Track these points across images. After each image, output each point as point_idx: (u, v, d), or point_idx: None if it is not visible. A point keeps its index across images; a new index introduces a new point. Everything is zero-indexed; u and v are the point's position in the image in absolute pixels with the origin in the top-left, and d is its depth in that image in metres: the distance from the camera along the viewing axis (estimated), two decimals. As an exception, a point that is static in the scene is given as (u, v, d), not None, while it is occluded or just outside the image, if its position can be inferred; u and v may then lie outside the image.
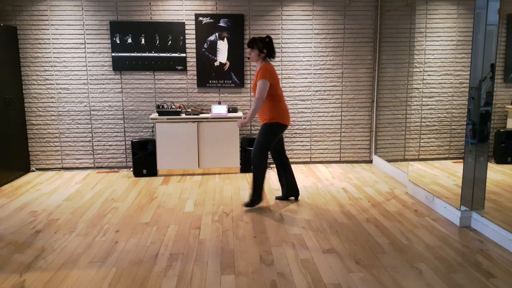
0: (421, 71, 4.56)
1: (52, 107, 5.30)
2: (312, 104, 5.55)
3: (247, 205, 3.95)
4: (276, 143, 3.98)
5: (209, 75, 5.34)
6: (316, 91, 5.53)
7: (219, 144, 5.13)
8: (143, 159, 5.07)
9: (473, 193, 3.35)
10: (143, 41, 5.21)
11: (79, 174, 5.22)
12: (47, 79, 5.25)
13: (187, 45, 5.29)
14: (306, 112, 5.56)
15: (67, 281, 2.61)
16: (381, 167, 5.40)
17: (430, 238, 3.21)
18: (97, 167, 5.47)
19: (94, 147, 5.42)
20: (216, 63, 5.33)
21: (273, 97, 3.79)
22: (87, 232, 3.40)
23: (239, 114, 5.20)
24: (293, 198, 4.19)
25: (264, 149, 3.82)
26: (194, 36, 5.27)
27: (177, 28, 5.22)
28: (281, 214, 3.78)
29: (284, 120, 3.83)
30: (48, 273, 2.72)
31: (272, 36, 5.36)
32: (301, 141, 5.64)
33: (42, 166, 5.41)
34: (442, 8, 4.47)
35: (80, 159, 5.42)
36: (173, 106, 5.16)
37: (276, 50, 5.38)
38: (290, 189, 4.12)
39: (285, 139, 5.63)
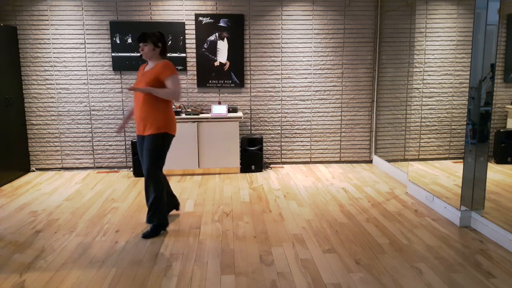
0: (421, 71, 4.56)
1: (52, 107, 5.30)
2: (312, 104, 5.55)
3: (146, 235, 3.27)
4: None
5: (209, 75, 5.34)
6: (316, 91, 5.53)
7: (219, 144, 5.13)
8: (143, 159, 5.07)
9: (473, 193, 3.35)
10: (143, 41, 5.20)
11: (79, 174, 5.22)
12: (47, 79, 5.25)
13: (187, 45, 5.29)
14: (306, 112, 5.56)
15: (67, 281, 2.61)
16: (381, 167, 5.40)
17: (430, 238, 3.21)
18: (97, 167, 5.47)
19: (94, 147, 5.42)
20: (216, 63, 5.33)
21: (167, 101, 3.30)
22: (87, 232, 3.40)
23: (239, 114, 5.20)
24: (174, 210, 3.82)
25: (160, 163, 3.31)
26: (194, 36, 5.27)
27: (177, 28, 5.22)
28: (281, 214, 3.78)
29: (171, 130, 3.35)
30: (48, 273, 2.72)
31: (272, 36, 5.36)
32: (301, 141, 5.64)
33: (42, 166, 5.41)
34: (442, 8, 4.47)
35: (80, 159, 5.42)
36: (173, 106, 5.16)
37: (276, 50, 5.39)
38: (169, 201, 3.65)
39: (286, 139, 5.63)
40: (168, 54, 5.25)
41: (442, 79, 4.51)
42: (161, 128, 3.22)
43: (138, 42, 3.27)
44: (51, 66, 5.22)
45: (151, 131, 3.21)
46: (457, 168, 4.40)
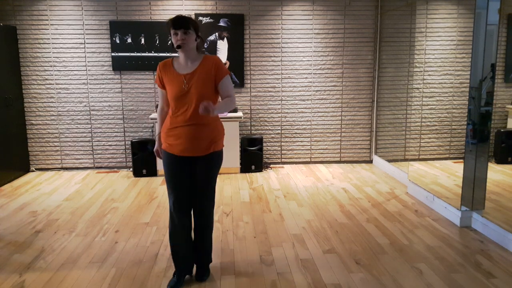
0: (421, 71, 4.56)
1: (52, 107, 5.29)
2: (312, 104, 5.55)
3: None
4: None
5: (209, 75, 5.33)
6: (316, 91, 5.52)
7: (219, 144, 5.12)
8: (143, 159, 5.06)
9: (473, 193, 3.34)
10: (143, 41, 5.20)
11: (78, 174, 5.22)
12: (46, 79, 5.24)
13: (187, 45, 5.28)
14: (306, 112, 5.56)
15: (67, 281, 2.61)
16: (381, 167, 5.39)
17: (430, 238, 3.21)
18: (97, 167, 5.46)
19: (93, 147, 5.41)
20: (216, 63, 5.32)
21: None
22: (87, 232, 3.40)
23: (239, 114, 5.20)
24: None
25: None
26: (194, 36, 5.26)
27: (177, 28, 5.21)
28: (281, 214, 3.77)
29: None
30: (48, 273, 2.72)
31: (272, 36, 5.36)
32: (301, 141, 5.63)
33: (42, 166, 5.41)
34: (442, 8, 4.47)
35: (79, 159, 5.42)
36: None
37: (276, 50, 5.39)
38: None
39: (286, 139, 5.63)
40: (168, 54, 5.24)
41: (442, 79, 4.51)
42: None
43: (175, 28, 2.30)
44: (51, 66, 5.22)
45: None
46: (457, 168, 4.40)
